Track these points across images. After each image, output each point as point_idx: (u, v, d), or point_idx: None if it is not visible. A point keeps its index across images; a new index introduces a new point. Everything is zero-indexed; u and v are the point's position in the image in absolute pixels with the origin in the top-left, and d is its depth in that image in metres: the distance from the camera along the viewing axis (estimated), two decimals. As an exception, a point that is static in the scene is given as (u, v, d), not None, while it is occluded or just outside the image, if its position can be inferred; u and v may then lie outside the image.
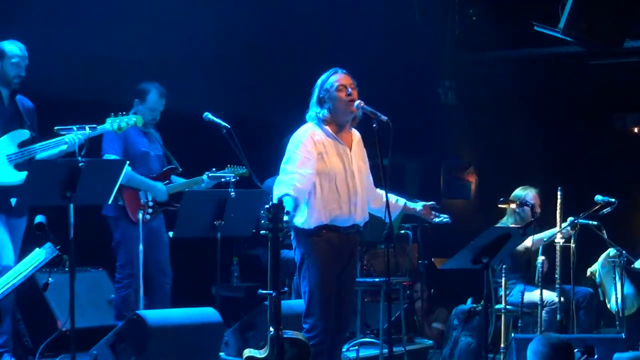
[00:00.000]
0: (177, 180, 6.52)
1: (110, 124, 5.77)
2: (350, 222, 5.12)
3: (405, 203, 5.39)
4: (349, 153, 5.17)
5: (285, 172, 5.05)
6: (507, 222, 7.23)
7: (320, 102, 5.14)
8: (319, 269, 4.98)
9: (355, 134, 5.27)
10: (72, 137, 5.44)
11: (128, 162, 5.85)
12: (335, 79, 5.13)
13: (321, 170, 5.05)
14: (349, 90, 5.10)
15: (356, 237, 5.23)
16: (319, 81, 5.19)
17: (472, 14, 9.72)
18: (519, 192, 7.31)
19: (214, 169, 6.46)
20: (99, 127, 5.69)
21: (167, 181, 6.48)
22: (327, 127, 5.13)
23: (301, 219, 5.02)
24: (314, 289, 4.98)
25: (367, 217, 5.26)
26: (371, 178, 5.34)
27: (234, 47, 7.96)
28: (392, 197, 5.29)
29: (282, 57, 8.37)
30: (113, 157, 6.25)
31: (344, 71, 5.19)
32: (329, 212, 5.03)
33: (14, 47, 5.70)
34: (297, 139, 5.11)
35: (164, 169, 6.54)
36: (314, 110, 5.16)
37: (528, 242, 6.85)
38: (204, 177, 6.43)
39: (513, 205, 7.22)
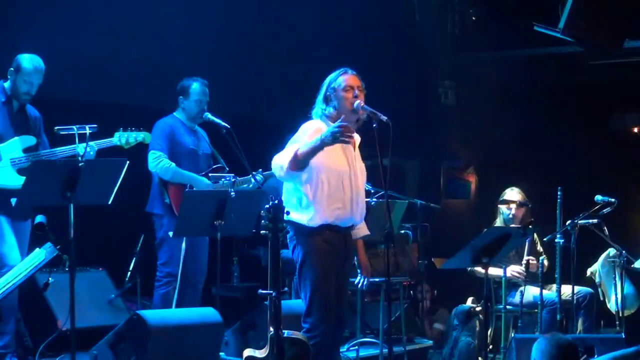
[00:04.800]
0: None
1: (118, 138, 5.84)
2: (351, 222, 5.14)
3: (357, 240, 5.36)
4: (353, 153, 5.17)
5: (288, 146, 5.00)
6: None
7: (327, 100, 5.14)
8: (320, 269, 4.97)
9: (356, 136, 5.22)
10: (82, 148, 5.50)
11: (169, 160, 6.02)
12: (344, 78, 5.12)
13: (329, 166, 5.02)
14: (356, 92, 5.08)
15: (352, 236, 5.25)
16: (328, 79, 5.18)
17: (472, 14, 9.73)
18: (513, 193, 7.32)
19: (260, 170, 6.35)
20: (106, 140, 5.78)
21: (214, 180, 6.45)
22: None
23: (306, 217, 4.99)
24: (314, 288, 4.96)
25: (364, 216, 5.27)
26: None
27: (234, 46, 7.97)
28: (364, 228, 5.34)
29: (282, 56, 8.37)
30: (159, 153, 6.30)
31: (354, 72, 5.17)
32: (334, 210, 5.01)
33: (30, 65, 5.70)
34: (305, 129, 5.06)
35: (211, 168, 6.53)
36: (319, 107, 5.16)
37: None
38: (251, 177, 6.25)
39: (513, 205, 7.23)
